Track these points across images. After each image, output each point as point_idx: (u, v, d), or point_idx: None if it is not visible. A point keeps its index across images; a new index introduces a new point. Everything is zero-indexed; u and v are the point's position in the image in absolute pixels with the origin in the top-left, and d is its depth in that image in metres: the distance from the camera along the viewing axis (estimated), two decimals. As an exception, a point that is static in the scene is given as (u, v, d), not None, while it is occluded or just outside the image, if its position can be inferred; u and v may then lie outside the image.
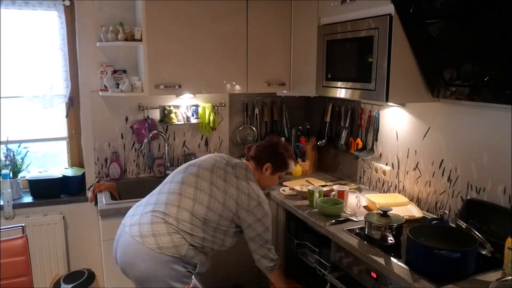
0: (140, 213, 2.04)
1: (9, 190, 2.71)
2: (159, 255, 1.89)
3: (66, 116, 3.00)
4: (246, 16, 2.83)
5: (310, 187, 2.45)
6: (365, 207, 2.41)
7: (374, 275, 1.81)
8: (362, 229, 2.03)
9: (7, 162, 2.79)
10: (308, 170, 3.19)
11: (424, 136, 2.33)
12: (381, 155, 2.67)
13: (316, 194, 2.38)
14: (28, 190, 2.87)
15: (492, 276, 1.58)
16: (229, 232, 2.09)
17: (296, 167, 3.11)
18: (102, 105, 2.92)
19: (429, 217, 2.15)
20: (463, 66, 1.85)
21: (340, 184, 2.68)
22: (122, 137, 3.01)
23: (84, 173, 2.97)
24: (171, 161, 3.13)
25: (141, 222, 1.97)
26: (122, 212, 2.45)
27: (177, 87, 2.72)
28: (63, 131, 3.02)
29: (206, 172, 2.09)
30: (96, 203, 2.68)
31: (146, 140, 2.92)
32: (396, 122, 2.52)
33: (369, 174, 2.80)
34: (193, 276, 1.62)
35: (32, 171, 2.94)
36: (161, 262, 1.89)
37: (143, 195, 2.72)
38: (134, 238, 1.93)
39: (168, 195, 2.03)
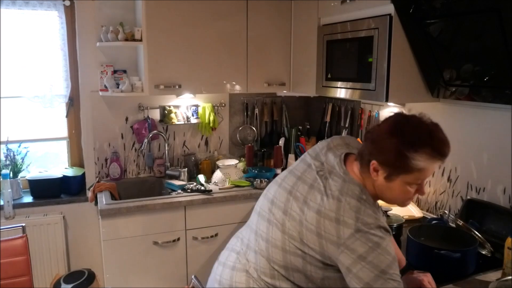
0: (229, 248, 1.54)
1: (9, 190, 2.71)
2: None
3: (66, 116, 3.00)
4: (246, 16, 2.83)
5: (310, 187, 2.44)
6: (365, 207, 2.41)
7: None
8: (362, 229, 2.03)
9: (7, 162, 2.79)
10: (308, 170, 3.19)
11: (424, 136, 2.33)
12: (381, 155, 2.67)
13: (316, 194, 2.38)
14: (28, 190, 2.87)
15: (492, 276, 1.58)
16: (330, 279, 1.30)
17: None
18: (102, 105, 2.92)
19: (429, 217, 2.15)
20: (463, 66, 1.85)
21: (340, 184, 2.68)
22: (122, 137, 3.01)
23: (84, 173, 2.97)
24: (171, 161, 3.13)
25: (225, 262, 1.49)
26: (122, 212, 2.46)
27: (177, 87, 2.72)
28: (63, 131, 3.02)
29: (283, 193, 1.38)
30: (96, 203, 2.68)
31: (146, 140, 2.92)
32: (396, 122, 2.52)
33: (369, 174, 2.80)
34: (193, 276, 1.59)
35: (32, 171, 2.95)
36: None
37: (143, 195, 2.73)
38: (215, 284, 1.50)
39: (248, 231, 1.49)
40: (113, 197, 2.70)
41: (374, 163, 1.25)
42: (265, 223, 1.39)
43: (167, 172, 2.99)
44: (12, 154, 2.80)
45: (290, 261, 1.30)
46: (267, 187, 1.50)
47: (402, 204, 1.36)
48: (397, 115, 1.30)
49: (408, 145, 1.22)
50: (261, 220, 1.41)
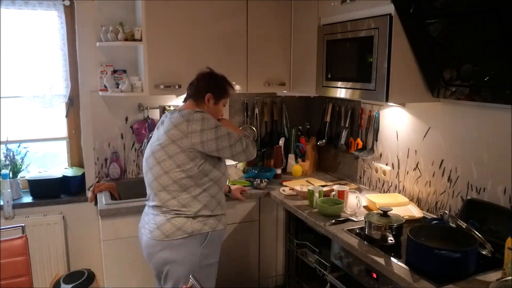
0: (145, 212, 2.18)
1: (9, 190, 2.71)
2: (169, 242, 1.98)
3: (66, 116, 3.00)
4: (246, 16, 2.83)
5: (310, 187, 2.45)
6: (365, 207, 2.41)
7: (374, 275, 1.81)
8: (362, 229, 2.03)
9: (7, 162, 2.79)
10: (308, 170, 3.19)
11: (424, 136, 2.33)
12: (381, 155, 2.67)
13: (316, 194, 2.38)
14: (28, 190, 2.87)
15: (492, 276, 1.58)
16: (206, 168, 2.03)
17: (296, 167, 3.11)
18: (102, 105, 2.92)
19: (429, 217, 2.15)
20: (463, 66, 1.85)
21: (340, 184, 2.68)
22: (122, 137, 3.01)
23: (84, 173, 2.96)
24: (171, 161, 3.12)
25: (148, 221, 2.09)
26: (122, 212, 2.46)
27: (177, 87, 2.72)
28: (63, 131, 3.02)
29: (148, 149, 2.10)
30: (96, 203, 2.68)
31: (146, 140, 2.91)
32: (396, 122, 2.52)
33: (369, 174, 2.80)
34: (191, 275, 1.60)
35: (32, 171, 2.95)
36: (174, 247, 1.99)
37: (143, 195, 2.72)
38: (147, 236, 2.05)
39: (148, 189, 2.13)
40: (113, 197, 2.70)
41: (208, 95, 2.10)
42: (149, 172, 2.04)
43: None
44: (11, 154, 2.80)
45: (174, 175, 1.97)
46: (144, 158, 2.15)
47: (220, 115, 2.20)
48: (208, 69, 2.20)
49: (225, 81, 2.17)
50: (148, 173, 2.06)
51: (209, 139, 1.97)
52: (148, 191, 2.12)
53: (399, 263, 1.71)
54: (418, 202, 2.39)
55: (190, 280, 1.52)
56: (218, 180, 2.09)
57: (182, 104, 2.20)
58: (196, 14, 2.69)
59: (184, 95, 2.94)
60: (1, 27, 2.67)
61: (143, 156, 3.02)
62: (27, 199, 2.84)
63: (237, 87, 2.89)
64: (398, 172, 2.54)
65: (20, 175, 2.85)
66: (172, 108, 3.03)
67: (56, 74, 2.85)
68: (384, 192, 2.65)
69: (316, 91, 2.62)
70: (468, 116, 2.07)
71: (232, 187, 2.67)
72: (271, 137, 3.33)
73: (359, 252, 1.86)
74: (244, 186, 2.84)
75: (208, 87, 2.11)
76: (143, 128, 2.98)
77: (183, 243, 1.99)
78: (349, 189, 2.47)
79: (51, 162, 3.08)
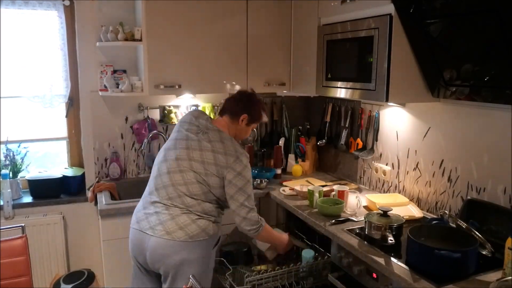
0: (153, 213, 2.07)
1: (9, 190, 2.71)
2: (192, 243, 2.00)
3: (66, 116, 3.00)
4: (246, 16, 2.83)
5: (310, 187, 2.45)
6: (365, 207, 2.41)
7: (374, 275, 1.81)
8: (362, 229, 2.03)
9: (7, 162, 2.79)
10: (308, 170, 3.19)
11: (424, 136, 2.33)
12: (381, 155, 2.67)
13: (316, 194, 2.38)
14: (28, 190, 2.87)
15: (493, 276, 1.58)
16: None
17: (296, 167, 3.11)
18: (102, 105, 2.92)
19: (429, 217, 2.15)
20: (463, 66, 1.85)
21: (340, 184, 2.68)
22: (122, 137, 3.01)
23: (84, 173, 2.97)
24: (171, 161, 3.12)
25: (162, 221, 2.02)
26: (122, 212, 2.46)
27: (177, 87, 2.72)
28: (63, 131, 3.02)
29: (183, 151, 2.10)
30: (96, 203, 2.68)
31: (146, 140, 2.92)
32: (396, 122, 2.52)
33: (369, 174, 2.80)
34: (191, 275, 1.60)
35: (32, 171, 2.95)
36: (195, 247, 2.01)
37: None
38: (162, 237, 1.98)
39: (164, 190, 2.07)
40: (113, 197, 2.70)
41: (244, 115, 2.16)
42: (178, 174, 2.06)
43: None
44: (11, 154, 2.80)
45: (204, 188, 2.05)
46: (161, 159, 2.16)
47: (243, 140, 2.41)
48: (250, 90, 2.28)
49: (261, 107, 2.25)
50: (174, 174, 2.07)
51: (235, 184, 2.05)
52: (167, 190, 2.07)
53: (399, 263, 1.71)
54: (418, 202, 2.39)
55: (190, 280, 1.52)
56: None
57: (218, 116, 2.25)
58: (196, 14, 2.69)
59: (184, 95, 2.98)
60: (1, 27, 2.67)
61: (143, 156, 3.07)
62: (27, 199, 2.84)
63: (238, 88, 2.89)
64: (398, 172, 2.54)
65: (20, 175, 2.85)
66: (172, 107, 3.04)
67: (56, 74, 2.85)
68: (384, 192, 2.65)
69: (316, 91, 2.62)
70: (468, 116, 2.07)
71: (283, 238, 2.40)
72: (271, 137, 3.33)
73: (359, 252, 1.86)
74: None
75: (246, 108, 2.18)
76: (143, 128, 2.98)
77: (203, 245, 2.04)
78: (349, 189, 2.47)
79: (51, 162, 3.08)
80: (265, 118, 2.29)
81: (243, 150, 2.11)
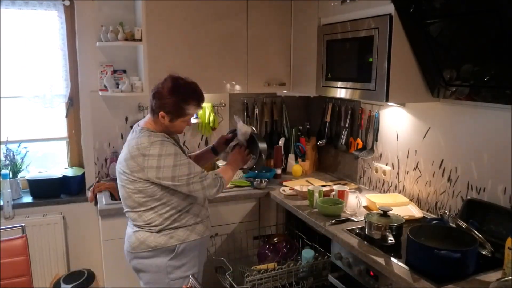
0: None
1: (9, 190, 2.71)
2: (135, 254, 2.02)
3: (66, 116, 3.00)
4: (246, 16, 2.83)
5: (310, 187, 2.45)
6: (365, 207, 2.41)
7: (374, 275, 1.81)
8: (362, 229, 2.03)
9: (7, 162, 2.79)
10: (308, 170, 3.19)
11: (424, 136, 2.33)
12: (381, 155, 2.67)
13: (316, 194, 2.38)
14: (28, 190, 2.87)
15: (492, 276, 1.58)
16: (168, 190, 1.96)
17: (296, 167, 3.11)
18: (102, 105, 2.92)
19: (429, 217, 2.15)
20: (463, 66, 1.85)
21: (340, 184, 2.68)
22: (122, 137, 3.00)
23: (84, 173, 2.97)
24: (171, 161, 3.12)
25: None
26: (122, 212, 2.44)
27: (177, 87, 2.71)
28: (63, 131, 3.02)
29: (118, 164, 2.05)
30: (96, 203, 2.68)
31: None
32: (396, 122, 2.52)
33: (369, 174, 2.80)
34: (190, 276, 1.59)
35: (32, 171, 2.95)
36: (140, 259, 2.02)
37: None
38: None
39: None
40: (113, 197, 2.70)
41: (162, 113, 1.91)
42: (120, 190, 2.02)
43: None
44: (11, 154, 2.80)
45: (138, 199, 1.93)
46: None
47: (181, 131, 2.07)
48: (172, 79, 1.93)
49: (182, 100, 1.91)
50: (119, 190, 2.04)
51: (165, 177, 1.89)
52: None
53: (399, 263, 1.71)
54: (418, 202, 2.39)
55: (190, 280, 1.52)
56: (186, 197, 2.01)
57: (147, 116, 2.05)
58: (196, 14, 2.69)
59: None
60: (1, 27, 2.67)
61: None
62: (27, 199, 2.84)
63: (238, 88, 2.88)
64: (398, 172, 2.54)
65: (20, 175, 2.86)
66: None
67: (56, 74, 2.85)
68: (384, 192, 2.65)
69: (316, 91, 2.62)
70: (468, 116, 2.07)
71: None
72: (271, 137, 3.33)
73: (359, 252, 1.86)
74: (244, 186, 2.84)
75: (160, 105, 1.93)
76: (143, 128, 2.98)
77: (149, 256, 2.00)
78: (349, 189, 2.47)
79: (51, 162, 3.08)
80: (193, 110, 1.97)
81: (149, 138, 1.89)
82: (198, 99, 1.96)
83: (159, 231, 1.97)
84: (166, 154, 1.88)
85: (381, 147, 2.66)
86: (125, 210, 2.05)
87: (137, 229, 2.00)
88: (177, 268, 2.02)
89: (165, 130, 1.98)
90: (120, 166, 1.98)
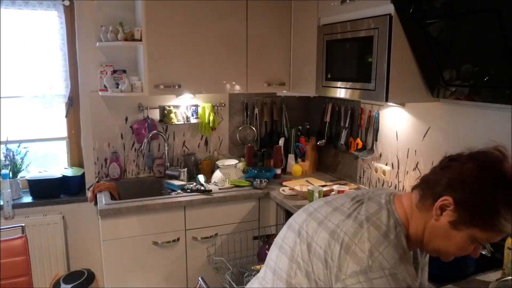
0: None
1: (9, 190, 2.71)
2: None
3: (66, 116, 3.00)
4: (246, 16, 2.83)
5: (310, 187, 2.45)
6: (365, 207, 2.41)
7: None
8: (362, 229, 2.03)
9: (7, 162, 2.79)
10: (308, 170, 3.19)
11: (424, 136, 2.33)
12: (381, 155, 2.67)
13: (316, 194, 2.38)
14: (28, 190, 2.87)
15: (492, 276, 1.58)
16: None
17: (296, 167, 3.11)
18: (101, 105, 2.92)
19: (429, 217, 2.15)
20: (463, 66, 1.85)
21: (340, 184, 2.68)
22: (122, 137, 3.00)
23: (83, 173, 2.96)
24: (171, 161, 3.12)
25: None
26: (122, 212, 2.46)
27: (177, 87, 2.72)
28: (63, 131, 3.02)
29: (303, 215, 1.19)
30: (96, 203, 2.68)
31: (145, 140, 2.92)
32: (396, 122, 2.52)
33: (369, 174, 2.80)
34: (200, 278, 1.55)
35: (32, 171, 2.94)
36: None
37: (142, 195, 2.73)
38: None
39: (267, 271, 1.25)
40: (112, 197, 2.70)
41: (447, 199, 0.99)
42: (276, 252, 1.19)
43: (167, 172, 2.99)
44: (11, 154, 2.80)
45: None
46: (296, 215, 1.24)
47: (448, 258, 1.09)
48: (506, 163, 1.01)
49: (509, 203, 0.96)
50: (278, 251, 1.18)
51: None
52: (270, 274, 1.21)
53: (399, 263, 1.71)
54: (418, 202, 2.39)
55: (199, 282, 1.50)
56: None
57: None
58: (196, 14, 2.69)
59: (184, 95, 2.98)
60: (1, 27, 2.67)
61: (143, 156, 3.07)
62: (27, 199, 2.84)
63: (237, 88, 2.88)
64: (397, 172, 2.54)
65: (20, 175, 2.85)
66: (172, 107, 3.03)
67: (56, 74, 2.85)
68: (384, 192, 2.64)
69: (316, 91, 2.62)
70: (468, 116, 2.07)
71: None
72: (271, 137, 3.33)
73: (359, 252, 1.86)
74: (244, 186, 2.84)
75: (456, 186, 1.00)
76: (143, 128, 2.98)
77: None
78: (348, 189, 2.47)
79: (51, 162, 3.08)
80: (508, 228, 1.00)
81: (392, 257, 0.98)
82: None
83: None
84: (398, 264, 0.98)
85: (381, 147, 2.66)
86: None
87: None
88: None
89: (415, 238, 1.08)
90: (327, 225, 1.09)
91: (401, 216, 1.05)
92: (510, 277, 1.45)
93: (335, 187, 2.45)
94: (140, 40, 2.64)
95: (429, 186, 1.04)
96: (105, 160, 2.98)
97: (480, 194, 0.96)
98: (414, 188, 1.09)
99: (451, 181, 1.00)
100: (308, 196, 2.44)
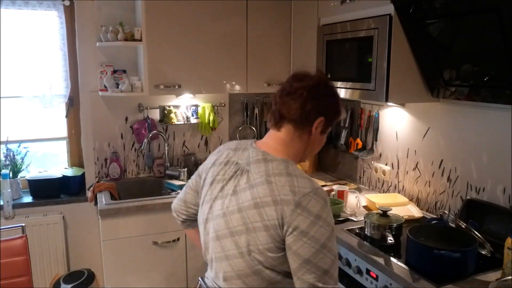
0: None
1: (9, 190, 2.71)
2: None
3: (66, 116, 3.00)
4: (246, 16, 2.83)
5: (310, 187, 2.44)
6: (365, 207, 2.41)
7: (374, 275, 1.81)
8: (362, 229, 2.03)
9: (7, 162, 2.79)
10: (307, 170, 3.19)
11: (424, 136, 2.33)
12: (380, 155, 2.67)
13: (316, 194, 2.38)
14: (28, 190, 2.87)
15: (492, 276, 1.58)
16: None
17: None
18: (102, 105, 2.92)
19: (429, 217, 2.15)
20: (463, 66, 1.85)
21: (340, 184, 2.68)
22: (122, 137, 3.01)
23: (84, 173, 2.97)
24: (171, 161, 3.12)
25: None
26: (122, 212, 2.46)
27: (177, 87, 2.72)
28: (63, 131, 3.02)
29: (217, 203, 1.29)
30: (96, 203, 2.68)
31: (146, 140, 2.92)
32: (396, 122, 2.52)
33: (368, 174, 2.80)
34: (200, 277, 1.54)
35: (32, 171, 2.94)
36: None
37: (143, 195, 2.73)
38: None
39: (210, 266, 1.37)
40: (112, 197, 2.70)
41: (322, 119, 1.30)
42: (215, 242, 1.27)
43: (167, 172, 2.99)
44: (11, 154, 2.80)
45: (248, 262, 1.19)
46: (203, 202, 1.36)
47: (316, 152, 1.46)
48: (321, 79, 1.36)
49: (340, 103, 1.37)
50: (213, 242, 1.28)
51: (296, 252, 1.14)
52: (211, 264, 1.34)
53: (399, 263, 1.71)
54: (418, 202, 2.39)
55: (199, 282, 1.50)
56: None
57: (270, 131, 1.35)
58: (196, 14, 2.69)
59: (184, 95, 2.97)
60: (1, 27, 2.67)
61: (143, 156, 3.07)
62: (27, 199, 2.84)
63: (237, 88, 2.89)
64: (397, 172, 2.54)
65: (20, 175, 2.85)
66: (172, 107, 3.03)
67: (56, 74, 2.85)
68: (383, 192, 2.65)
69: (316, 91, 2.62)
70: (468, 116, 2.07)
71: None
72: (271, 137, 3.33)
73: (358, 252, 1.86)
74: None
75: (322, 107, 1.30)
76: (143, 128, 2.98)
77: None
78: (348, 189, 2.47)
79: (51, 162, 3.08)
80: (343, 115, 1.42)
81: (311, 182, 1.19)
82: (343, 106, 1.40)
83: None
84: (325, 221, 1.15)
85: (381, 147, 2.66)
86: (219, 275, 1.27)
87: None
88: None
89: (295, 153, 1.32)
90: (238, 217, 1.21)
91: (281, 157, 1.26)
92: (510, 277, 1.45)
93: (335, 187, 2.45)
94: (140, 40, 2.64)
95: (301, 119, 1.28)
96: (105, 160, 2.99)
97: (332, 103, 1.33)
98: (277, 127, 1.32)
99: (316, 106, 1.28)
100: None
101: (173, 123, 3.03)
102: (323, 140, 1.41)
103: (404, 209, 2.25)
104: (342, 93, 2.35)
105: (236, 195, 1.24)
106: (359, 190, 2.70)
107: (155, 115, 3.06)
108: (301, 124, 1.29)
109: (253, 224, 1.18)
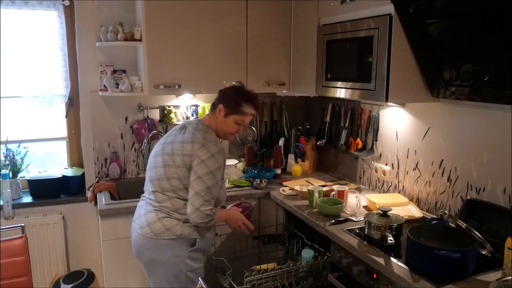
0: (138, 206, 2.20)
1: (9, 190, 2.71)
2: (157, 241, 2.01)
3: (66, 116, 3.00)
4: (246, 16, 2.83)
5: (310, 187, 2.45)
6: (365, 207, 2.41)
7: (374, 275, 1.81)
8: (362, 229, 2.03)
9: (7, 162, 2.79)
10: (308, 170, 3.19)
11: (424, 136, 2.33)
12: (381, 155, 2.67)
13: (316, 194, 2.38)
14: (28, 190, 2.87)
15: (492, 276, 1.58)
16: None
17: (296, 167, 3.11)
18: (101, 105, 2.92)
19: (429, 217, 2.15)
20: (463, 66, 1.85)
21: (340, 184, 2.68)
22: (121, 137, 3.01)
23: (83, 173, 2.97)
24: (171, 161, 3.12)
25: (140, 216, 2.12)
26: (122, 212, 2.46)
27: (177, 87, 2.72)
28: (62, 131, 3.02)
29: (160, 146, 2.13)
30: (95, 203, 2.68)
31: (145, 140, 2.92)
32: (396, 122, 2.52)
33: (369, 174, 2.80)
34: (199, 278, 1.57)
35: (31, 171, 2.95)
36: (161, 246, 2.02)
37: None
38: (137, 231, 2.07)
39: (147, 184, 2.17)
40: (112, 197, 2.70)
41: (220, 106, 2.09)
42: (153, 170, 2.09)
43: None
44: (11, 154, 2.80)
45: (174, 183, 2.02)
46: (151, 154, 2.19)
47: (229, 136, 2.18)
48: (240, 85, 2.20)
49: (242, 98, 2.10)
50: (150, 170, 2.12)
51: (195, 171, 1.98)
52: (148, 186, 2.15)
53: (399, 263, 1.71)
54: (418, 202, 2.39)
55: (199, 283, 1.50)
56: (218, 199, 2.14)
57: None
58: (196, 14, 2.69)
59: (184, 95, 2.98)
60: (1, 27, 2.67)
61: (143, 156, 3.07)
62: (27, 199, 2.84)
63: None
64: (397, 172, 2.54)
65: (20, 175, 2.86)
66: (172, 107, 3.04)
67: (56, 74, 2.85)
68: (383, 192, 2.65)
69: (316, 91, 2.62)
70: (468, 116, 2.07)
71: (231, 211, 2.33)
72: (271, 137, 3.33)
73: (359, 252, 1.86)
74: (244, 186, 2.84)
75: (221, 98, 2.13)
76: (143, 128, 2.98)
77: (170, 244, 2.02)
78: (348, 189, 2.47)
79: (51, 162, 3.08)
80: (248, 110, 2.10)
81: (215, 140, 2.06)
82: (256, 105, 2.13)
83: (185, 221, 2.02)
84: (215, 160, 2.00)
85: (381, 147, 2.66)
86: (153, 189, 2.07)
87: (164, 215, 2.02)
88: (192, 260, 2.08)
89: (215, 127, 2.13)
90: (169, 146, 2.07)
91: (207, 124, 2.13)
92: (510, 277, 1.45)
93: (335, 187, 2.45)
94: (140, 40, 2.64)
95: (213, 105, 2.15)
96: (105, 160, 2.99)
97: (232, 98, 2.10)
98: (210, 110, 2.17)
99: (219, 98, 2.14)
100: (308, 196, 2.44)
101: (173, 123, 3.03)
102: (230, 125, 2.11)
103: (404, 209, 2.25)
104: (342, 93, 2.35)
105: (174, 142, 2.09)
106: (359, 190, 2.70)
107: (155, 115, 3.06)
108: (213, 108, 2.14)
109: (177, 152, 2.03)
